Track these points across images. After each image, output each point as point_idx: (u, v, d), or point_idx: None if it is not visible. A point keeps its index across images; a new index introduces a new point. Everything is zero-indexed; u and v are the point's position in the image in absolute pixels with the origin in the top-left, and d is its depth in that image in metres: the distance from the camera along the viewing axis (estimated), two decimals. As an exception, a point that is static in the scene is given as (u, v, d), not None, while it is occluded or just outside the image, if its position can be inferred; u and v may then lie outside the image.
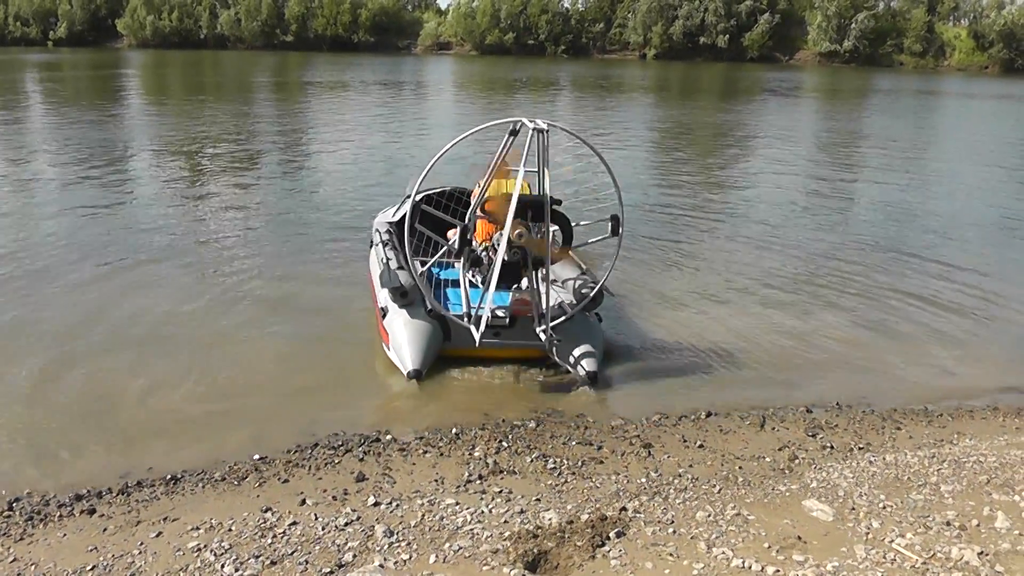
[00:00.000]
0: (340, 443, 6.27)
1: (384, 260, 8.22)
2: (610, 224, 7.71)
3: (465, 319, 7.51)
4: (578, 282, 7.95)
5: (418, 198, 7.66)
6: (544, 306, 7.43)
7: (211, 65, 62.69)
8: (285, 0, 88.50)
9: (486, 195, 7.60)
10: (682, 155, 21.79)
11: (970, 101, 45.06)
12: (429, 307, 7.59)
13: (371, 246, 9.50)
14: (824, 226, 13.95)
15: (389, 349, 7.65)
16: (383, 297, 7.85)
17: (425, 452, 6.12)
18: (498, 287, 7.32)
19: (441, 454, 6.09)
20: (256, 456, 6.05)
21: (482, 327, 7.30)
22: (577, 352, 7.49)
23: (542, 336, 7.45)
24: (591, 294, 7.75)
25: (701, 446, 6.35)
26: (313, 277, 10.45)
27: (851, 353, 8.57)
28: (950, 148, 25.37)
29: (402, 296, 7.56)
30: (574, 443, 6.32)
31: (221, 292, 9.67)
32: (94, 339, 8.20)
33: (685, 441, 6.44)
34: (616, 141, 23.70)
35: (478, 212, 7.70)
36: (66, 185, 15.54)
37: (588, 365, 7.39)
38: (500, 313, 7.56)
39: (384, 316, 7.79)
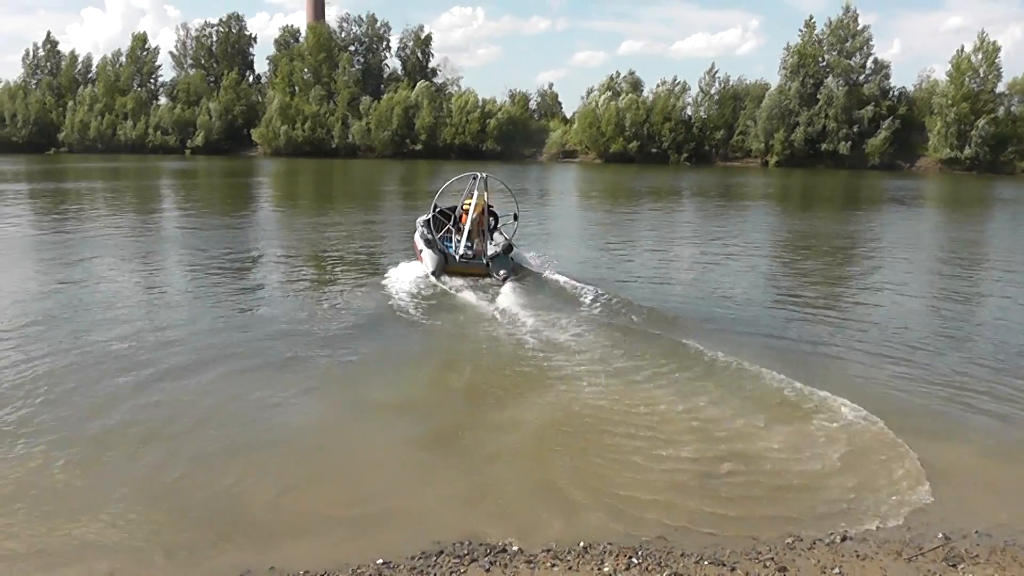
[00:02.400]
0: (466, 552, 6.27)
1: (423, 234, 17.95)
2: (513, 215, 18.83)
3: (456, 254, 17.02)
4: (501, 241, 18.11)
5: (437, 211, 19.24)
6: (486, 249, 17.63)
7: (341, 173, 65.60)
8: (416, 111, 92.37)
9: (464, 205, 18.44)
10: (806, 265, 21.39)
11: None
12: (440, 248, 17.18)
13: (415, 231, 19.16)
14: (956, 339, 13.21)
15: (423, 264, 17.24)
16: (421, 244, 17.68)
17: (553, 565, 6.05)
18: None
19: (569, 568, 6.01)
20: (380, 560, 6.12)
21: (458, 257, 17.07)
22: (500, 270, 16.56)
23: (486, 262, 16.98)
24: (505, 244, 17.66)
25: (839, 573, 6.07)
26: (441, 385, 10.62)
27: (989, 476, 8.04)
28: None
29: (429, 244, 17.37)
30: (706, 562, 6.15)
31: (351, 397, 9.93)
32: (228, 440, 8.50)
33: (821, 566, 6.17)
34: (737, 250, 23.53)
35: (460, 212, 18.54)
36: (196, 288, 16.44)
37: (504, 275, 16.36)
38: (469, 252, 17.09)
39: (420, 253, 17.56)
